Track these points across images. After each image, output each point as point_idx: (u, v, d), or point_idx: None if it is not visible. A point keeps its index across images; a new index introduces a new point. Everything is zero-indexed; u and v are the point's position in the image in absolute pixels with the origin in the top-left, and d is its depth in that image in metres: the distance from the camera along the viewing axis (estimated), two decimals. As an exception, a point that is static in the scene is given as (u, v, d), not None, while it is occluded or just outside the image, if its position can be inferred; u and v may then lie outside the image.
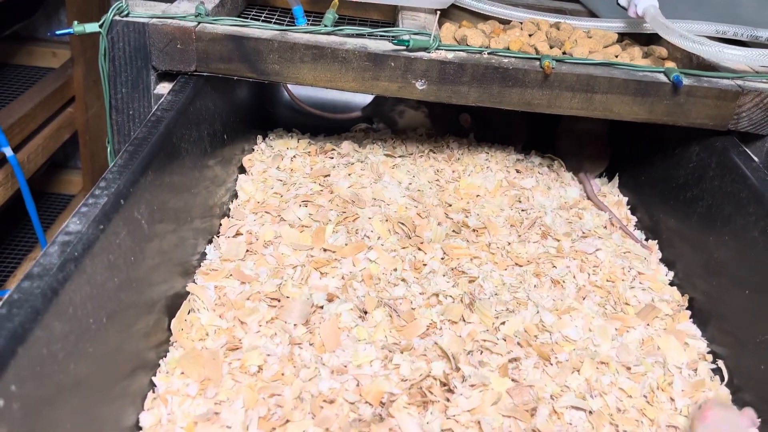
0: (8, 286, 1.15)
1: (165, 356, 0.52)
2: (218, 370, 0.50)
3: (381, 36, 0.66)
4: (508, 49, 0.72)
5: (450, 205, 0.75)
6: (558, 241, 0.71)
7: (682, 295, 0.65)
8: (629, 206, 0.81)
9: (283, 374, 0.51)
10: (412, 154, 0.84)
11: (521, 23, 0.80)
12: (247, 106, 0.83)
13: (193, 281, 0.59)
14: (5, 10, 1.19)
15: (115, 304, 0.45)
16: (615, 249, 0.71)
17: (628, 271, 0.68)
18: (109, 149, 0.68)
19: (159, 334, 0.53)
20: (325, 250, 0.65)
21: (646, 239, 0.75)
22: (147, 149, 0.52)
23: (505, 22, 0.82)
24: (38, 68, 1.37)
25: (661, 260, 0.72)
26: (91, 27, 0.63)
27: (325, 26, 0.66)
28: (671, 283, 0.68)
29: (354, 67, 0.64)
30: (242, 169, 0.78)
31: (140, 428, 0.47)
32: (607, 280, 0.66)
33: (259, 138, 0.85)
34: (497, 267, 0.66)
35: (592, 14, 0.88)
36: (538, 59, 0.65)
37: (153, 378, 0.50)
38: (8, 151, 0.96)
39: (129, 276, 0.47)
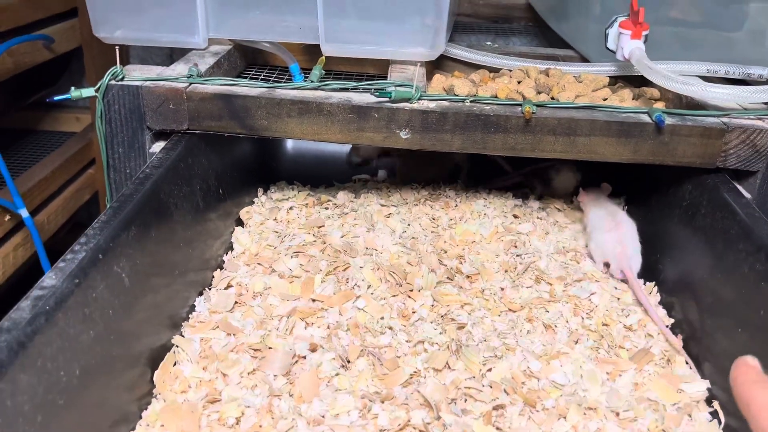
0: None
1: (146, 409, 0.52)
2: (196, 422, 0.50)
3: (364, 89, 0.67)
4: (495, 96, 0.73)
5: (445, 252, 0.75)
6: (551, 285, 0.70)
7: (676, 336, 0.63)
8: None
9: (260, 426, 0.51)
10: (407, 202, 0.85)
11: (510, 71, 0.82)
12: (248, 161, 0.86)
13: (180, 334, 0.59)
14: (31, 78, 1.26)
15: (92, 357, 0.46)
16: (611, 293, 0.70)
17: (624, 315, 0.67)
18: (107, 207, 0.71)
19: (143, 386, 0.53)
20: (313, 300, 0.65)
21: (644, 282, 0.73)
22: (131, 206, 0.54)
23: (496, 71, 0.84)
24: (62, 133, 1.43)
25: (660, 303, 0.70)
26: (88, 92, 0.66)
27: (311, 81, 0.68)
28: (669, 326, 0.66)
29: (339, 119, 0.66)
30: (241, 222, 0.79)
31: (116, 482, 0.47)
32: (603, 324, 0.65)
33: (260, 191, 0.87)
34: (490, 313, 0.66)
35: (585, 59, 0.89)
36: (519, 105, 0.66)
37: None
38: (24, 213, 1.00)
39: (108, 329, 0.48)
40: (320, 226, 0.79)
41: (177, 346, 0.57)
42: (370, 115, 0.66)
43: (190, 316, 0.62)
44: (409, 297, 0.67)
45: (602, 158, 0.67)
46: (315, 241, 0.75)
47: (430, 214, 0.82)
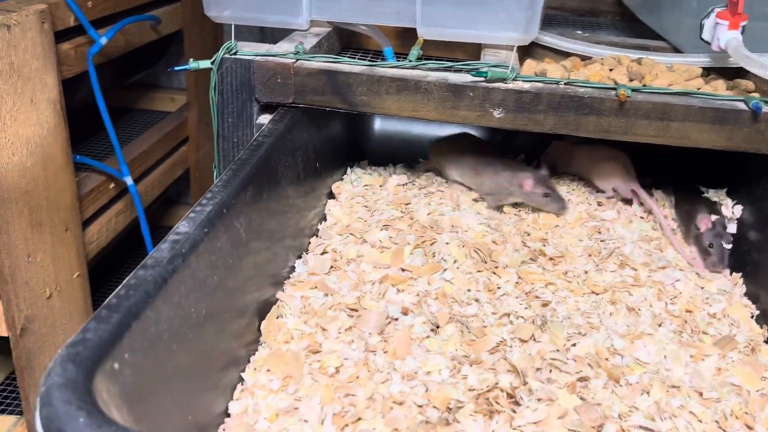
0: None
1: (254, 354, 0.57)
2: (300, 369, 0.55)
3: (460, 68, 0.70)
4: (587, 81, 0.74)
5: (528, 234, 0.77)
6: (635, 270, 0.71)
7: (761, 328, 0.63)
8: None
9: (357, 377, 0.54)
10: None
11: (602, 59, 0.83)
12: (340, 139, 0.90)
13: (282, 290, 0.64)
14: (134, 59, 1.35)
15: (213, 302, 0.51)
16: (696, 281, 0.70)
17: (708, 302, 0.67)
18: (215, 173, 0.76)
19: (249, 334, 0.58)
20: (402, 269, 0.69)
21: (731, 272, 0.73)
22: (248, 168, 0.59)
23: (587, 59, 0.85)
24: (158, 112, 1.52)
25: (745, 294, 0.70)
26: (204, 63, 0.72)
27: (410, 61, 0.71)
28: (753, 317, 0.66)
29: (435, 97, 0.69)
30: (331, 195, 0.84)
31: (228, 415, 0.52)
32: (686, 311, 0.66)
33: (349, 168, 0.91)
34: (572, 294, 0.67)
35: (677, 50, 0.89)
36: (614, 88, 0.67)
37: (242, 373, 0.55)
38: (129, 180, 1.07)
39: (226, 277, 0.53)
40: (407, 204, 0.82)
41: (281, 301, 0.62)
42: (465, 93, 0.68)
43: (290, 275, 0.67)
44: (494, 273, 0.69)
45: (695, 144, 0.67)
46: (402, 216, 0.79)
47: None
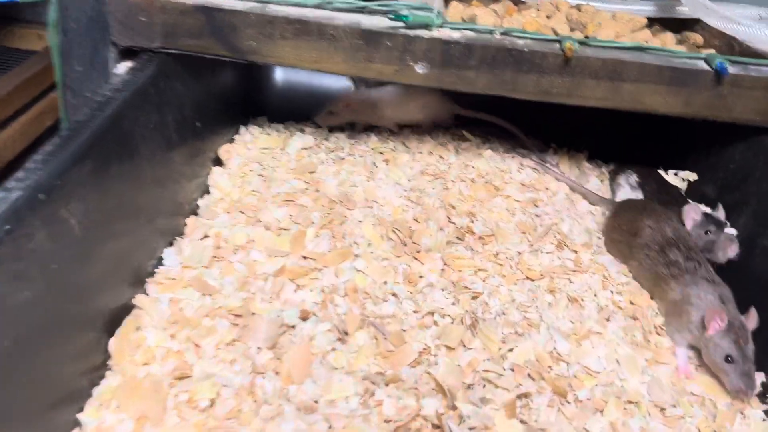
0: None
1: (99, 384, 0.43)
2: (161, 403, 0.41)
3: (375, 11, 0.56)
4: (524, 31, 0.62)
5: (453, 208, 0.66)
6: (575, 252, 0.61)
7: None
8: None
9: (239, 411, 0.42)
10: (409, 150, 0.75)
11: (537, 4, 0.71)
12: (230, 90, 0.74)
13: (144, 292, 0.50)
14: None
15: (28, 323, 0.36)
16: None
17: (658, 289, 0.59)
18: (61, 135, 0.59)
19: (96, 356, 0.44)
20: (304, 257, 0.56)
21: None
22: (86, 134, 0.44)
23: (520, 3, 0.73)
24: (21, 51, 1.29)
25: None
26: (38, -8, 0.54)
27: (311, -3, 0.57)
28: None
29: (344, 46, 0.55)
30: (218, 162, 0.69)
31: (59, 476, 0.38)
32: (631, 302, 0.57)
33: (242, 127, 0.76)
34: (505, 281, 0.57)
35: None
36: (558, 41, 0.56)
37: (79, 414, 0.41)
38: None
39: (51, 287, 0.38)
40: (312, 172, 0.68)
41: (139, 308, 0.48)
42: (381, 42, 0.55)
43: (156, 270, 0.52)
44: (416, 259, 0.58)
45: (649, 109, 0.57)
46: (306, 188, 0.65)
47: (436, 164, 0.73)
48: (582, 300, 0.56)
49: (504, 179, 0.70)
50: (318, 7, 0.56)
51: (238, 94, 0.77)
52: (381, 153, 0.74)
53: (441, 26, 0.56)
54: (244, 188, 0.65)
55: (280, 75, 0.87)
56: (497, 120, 0.78)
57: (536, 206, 0.67)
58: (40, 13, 1.38)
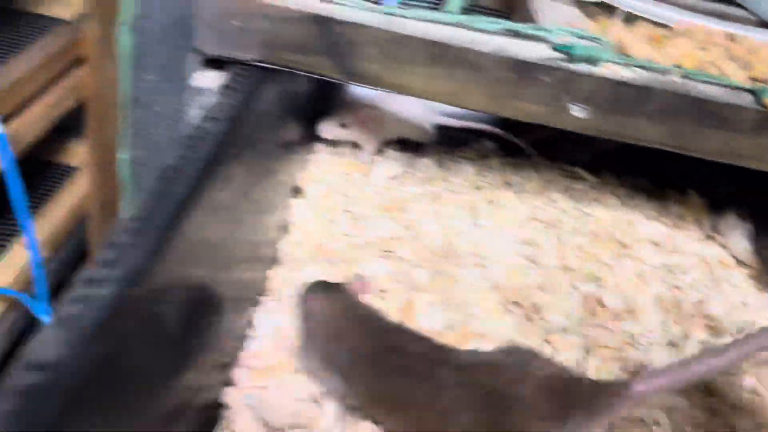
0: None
1: None
2: None
3: (531, 35, 0.45)
4: (680, 66, 0.51)
5: (573, 270, 0.55)
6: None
7: None
8: None
9: None
10: (512, 185, 0.64)
11: (687, 30, 0.60)
12: (307, 106, 0.63)
13: (231, 383, 0.39)
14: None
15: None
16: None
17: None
18: (122, 157, 0.48)
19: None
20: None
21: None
22: (179, 192, 0.33)
23: (660, 26, 0.62)
24: (44, 17, 1.16)
25: None
26: (111, -19, 0.43)
27: (449, 12, 0.45)
28: None
29: (489, 78, 0.44)
30: (296, 191, 0.58)
31: None
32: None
33: (316, 145, 0.65)
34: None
35: (763, 24, 0.67)
36: (751, 91, 0.45)
37: None
38: (-4, 127, 0.76)
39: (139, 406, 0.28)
40: (402, 208, 0.58)
41: (228, 407, 0.37)
42: (535, 77, 0.44)
43: (246, 347, 0.41)
44: (547, 342, 0.47)
45: None
46: (403, 235, 0.55)
47: (546, 208, 0.62)
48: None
49: (632, 235, 0.59)
50: (459, 25, 0.45)
51: (313, 108, 0.65)
52: (478, 188, 0.63)
53: (609, 61, 0.44)
54: (330, 229, 0.54)
55: (365, 92, 0.75)
56: (494, 130, 0.68)
57: (671, 272, 0.57)
58: (66, -26, 1.25)
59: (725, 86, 0.45)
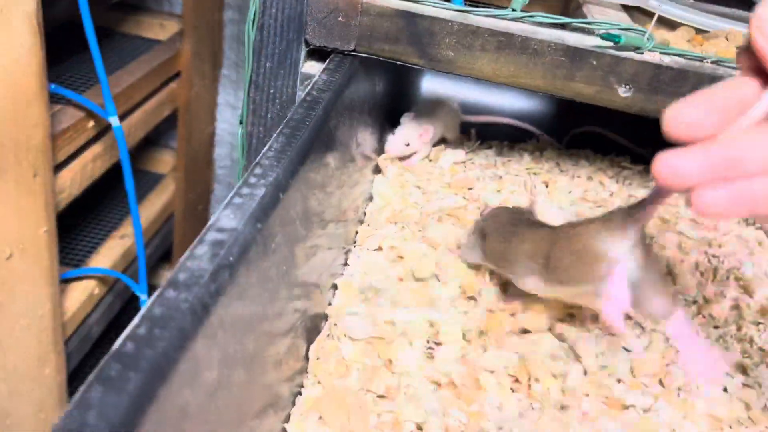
0: (91, 263, 1.08)
1: (300, 394, 0.41)
2: (365, 422, 0.39)
3: (580, 27, 0.54)
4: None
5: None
6: None
7: None
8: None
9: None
10: (565, 171, 0.72)
11: (725, 34, 0.67)
12: (385, 98, 0.73)
13: (335, 299, 0.48)
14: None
15: (262, 330, 0.35)
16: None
17: None
18: (240, 131, 0.59)
19: (294, 363, 0.42)
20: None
21: None
22: (307, 133, 0.42)
23: (701, 32, 0.69)
24: (144, 39, 1.31)
25: None
26: (243, -15, 0.53)
27: (513, 10, 0.55)
28: None
29: (546, 62, 0.53)
30: (377, 170, 0.68)
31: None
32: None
33: (389, 135, 0.74)
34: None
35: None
36: (776, 76, 0.52)
37: (285, 424, 0.39)
38: (115, 121, 0.89)
39: (278, 290, 0.37)
40: (470, 188, 0.66)
41: (334, 317, 0.46)
42: (586, 61, 0.52)
43: (343, 275, 0.51)
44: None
45: None
46: (466, 205, 0.63)
47: (596, 190, 0.69)
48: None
49: (674, 214, 0.66)
50: (517, 20, 0.54)
51: (393, 100, 0.75)
52: (536, 174, 0.71)
53: (651, 50, 0.53)
54: (405, 199, 0.63)
55: (426, 83, 0.85)
56: (512, 121, 0.76)
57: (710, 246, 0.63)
58: (164, 3, 1.41)
59: (752, 71, 0.53)
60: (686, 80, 0.52)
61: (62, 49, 1.00)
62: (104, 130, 0.97)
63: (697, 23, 0.70)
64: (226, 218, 0.33)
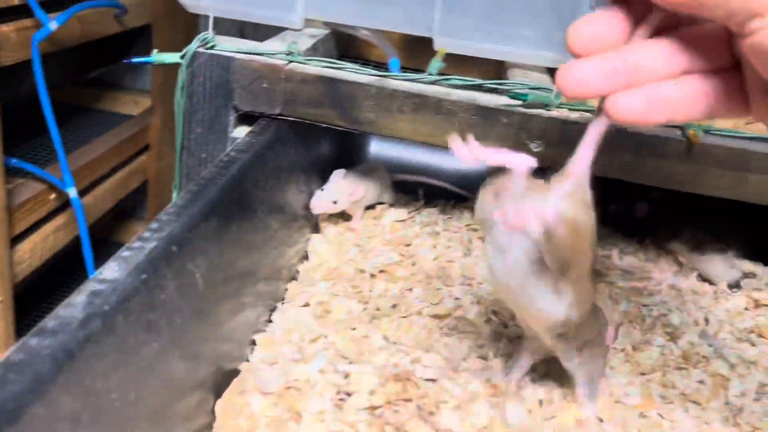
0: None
1: (203, 448, 0.41)
2: (266, 475, 0.39)
3: (493, 89, 0.57)
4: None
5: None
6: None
7: None
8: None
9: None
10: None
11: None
12: (327, 160, 0.75)
13: (250, 355, 0.49)
14: (93, 52, 1.19)
15: (149, 381, 0.35)
16: None
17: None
18: (174, 194, 0.61)
19: (201, 417, 0.42)
20: (405, 332, 0.54)
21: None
22: (214, 191, 0.44)
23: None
24: (119, 115, 1.36)
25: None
26: (172, 57, 0.57)
27: (429, 74, 0.58)
28: None
29: (459, 121, 0.55)
30: (316, 228, 0.69)
31: None
32: None
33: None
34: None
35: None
36: (680, 128, 0.55)
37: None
38: (72, 192, 0.91)
39: (173, 342, 0.38)
40: (407, 245, 0.68)
41: (246, 372, 0.46)
42: (497, 119, 0.55)
43: (264, 332, 0.51)
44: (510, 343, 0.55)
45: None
46: (402, 261, 0.64)
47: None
48: None
49: (606, 266, 0.67)
50: (434, 83, 0.57)
51: (334, 163, 0.78)
52: (475, 230, 0.72)
53: (559, 107, 0.55)
54: (342, 257, 0.64)
55: (374, 148, 0.88)
56: (437, 182, 0.79)
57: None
58: (137, 81, 1.47)
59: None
60: (592, 134, 0.54)
61: (29, 125, 1.03)
62: (66, 203, 0.99)
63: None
64: (109, 270, 0.34)
